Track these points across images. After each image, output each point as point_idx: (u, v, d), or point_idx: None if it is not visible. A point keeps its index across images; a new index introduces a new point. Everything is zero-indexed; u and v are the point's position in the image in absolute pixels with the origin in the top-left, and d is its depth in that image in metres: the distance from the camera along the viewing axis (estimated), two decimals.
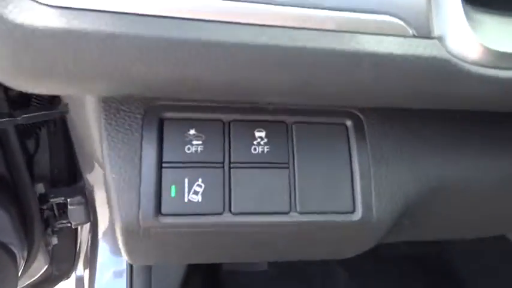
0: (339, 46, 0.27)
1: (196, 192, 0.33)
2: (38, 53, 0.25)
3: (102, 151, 0.32)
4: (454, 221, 0.45)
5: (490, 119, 0.38)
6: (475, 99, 0.32)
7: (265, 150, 0.34)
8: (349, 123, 0.36)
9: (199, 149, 0.33)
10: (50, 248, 0.80)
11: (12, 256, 0.64)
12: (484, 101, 0.32)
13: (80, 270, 0.89)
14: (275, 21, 0.26)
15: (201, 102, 0.34)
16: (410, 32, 0.28)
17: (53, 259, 0.83)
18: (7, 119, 0.55)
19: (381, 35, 0.28)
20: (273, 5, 0.26)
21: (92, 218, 0.84)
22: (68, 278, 0.89)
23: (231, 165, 0.33)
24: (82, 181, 0.80)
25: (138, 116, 0.32)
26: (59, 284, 0.89)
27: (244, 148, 0.34)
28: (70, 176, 0.78)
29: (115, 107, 0.32)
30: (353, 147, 0.35)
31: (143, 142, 0.32)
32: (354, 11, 0.27)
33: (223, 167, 0.33)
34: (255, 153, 0.33)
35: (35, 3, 0.24)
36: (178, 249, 0.35)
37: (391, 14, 0.28)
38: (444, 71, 0.29)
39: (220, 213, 0.33)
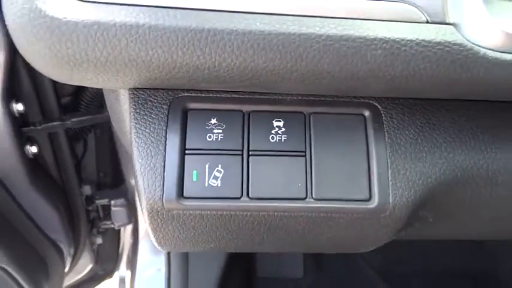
0: (350, 32, 0.28)
1: (216, 178, 0.35)
2: (71, 43, 0.28)
3: (130, 139, 0.35)
4: (481, 217, 0.43)
5: None
6: (494, 87, 0.32)
7: (283, 139, 0.35)
8: (367, 113, 0.37)
9: (219, 137, 0.35)
10: (95, 247, 0.84)
11: (60, 252, 0.69)
12: (503, 88, 0.32)
13: (123, 270, 0.93)
14: (291, 11, 0.28)
15: (222, 93, 0.36)
16: (424, 18, 0.29)
17: (98, 258, 0.87)
18: (58, 122, 0.60)
19: (393, 21, 0.29)
20: None
21: (133, 220, 0.88)
22: (111, 277, 0.93)
23: (250, 152, 0.35)
24: (125, 185, 0.85)
25: (164, 106, 0.35)
26: (103, 283, 0.93)
27: (262, 137, 0.35)
28: (114, 179, 0.83)
29: (143, 97, 0.35)
30: (370, 137, 0.36)
31: (168, 130, 0.35)
32: None
33: (242, 154, 0.35)
34: (272, 142, 0.35)
35: None
36: (199, 233, 0.37)
37: (403, 1, 0.29)
38: (459, 56, 0.30)
39: (238, 198, 0.35)
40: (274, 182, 0.35)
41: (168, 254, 0.77)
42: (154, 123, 0.35)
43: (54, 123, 0.59)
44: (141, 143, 0.34)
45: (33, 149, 0.59)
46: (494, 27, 0.30)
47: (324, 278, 1.00)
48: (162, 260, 0.76)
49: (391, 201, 0.35)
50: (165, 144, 0.34)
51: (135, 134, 0.34)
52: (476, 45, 0.30)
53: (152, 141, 0.34)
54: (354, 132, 0.36)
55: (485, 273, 1.06)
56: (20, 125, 0.56)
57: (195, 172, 0.35)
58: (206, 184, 0.35)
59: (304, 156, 0.35)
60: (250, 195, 0.35)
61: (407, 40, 0.29)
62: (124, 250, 0.93)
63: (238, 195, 0.35)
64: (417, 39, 0.29)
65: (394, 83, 0.31)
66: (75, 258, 0.76)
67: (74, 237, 0.72)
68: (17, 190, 0.59)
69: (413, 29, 0.29)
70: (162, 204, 0.34)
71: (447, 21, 0.30)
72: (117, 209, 0.80)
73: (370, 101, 0.37)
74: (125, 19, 0.28)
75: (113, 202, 0.79)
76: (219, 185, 0.35)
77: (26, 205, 0.61)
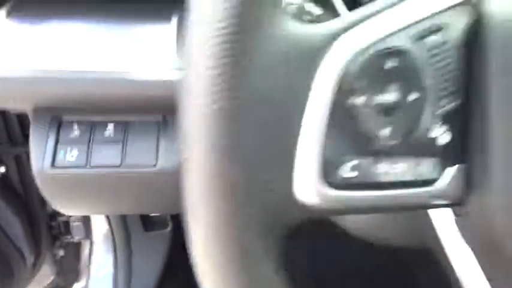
0: (115, 76, 0.55)
1: (72, 156, 0.57)
2: None
3: (30, 137, 0.58)
4: None
5: None
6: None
7: (111, 134, 0.58)
8: (160, 119, 0.60)
9: (77, 134, 0.58)
10: (57, 258, 0.98)
11: (23, 257, 0.83)
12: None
13: (83, 282, 1.06)
14: (81, 69, 0.55)
15: (81, 112, 0.59)
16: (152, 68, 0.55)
17: (60, 270, 1.01)
18: (21, 148, 0.76)
19: (135, 70, 0.55)
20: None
21: (90, 236, 1.02)
22: None
23: (93, 142, 0.58)
24: None
25: (48, 118, 0.58)
26: None
27: (100, 134, 0.58)
28: None
29: (37, 115, 0.59)
30: (161, 133, 0.59)
31: (48, 132, 0.58)
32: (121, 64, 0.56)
33: (88, 143, 0.58)
34: (106, 136, 0.58)
35: None
36: (67, 193, 0.60)
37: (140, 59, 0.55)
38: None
39: (84, 166, 0.57)
40: (104, 157, 0.57)
41: (115, 255, 0.92)
42: (43, 127, 0.58)
43: (17, 148, 0.76)
44: (34, 138, 0.58)
45: (2, 169, 0.75)
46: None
47: None
48: (110, 260, 0.90)
49: (169, 166, 0.58)
50: (47, 140, 0.57)
51: (32, 134, 0.58)
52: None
53: (40, 138, 0.58)
54: (152, 130, 0.59)
55: (412, 275, 1.18)
56: None
57: (62, 152, 0.57)
58: (66, 159, 0.57)
59: (123, 143, 0.58)
60: (91, 165, 0.57)
61: (140, 80, 0.55)
62: (84, 264, 1.07)
63: (84, 165, 0.57)
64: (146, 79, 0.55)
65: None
66: (36, 266, 0.90)
67: (36, 246, 0.87)
68: None
69: (147, 73, 0.55)
70: (44, 171, 0.57)
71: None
72: (76, 224, 0.95)
73: (164, 114, 0.59)
74: (9, 75, 0.54)
75: (71, 218, 0.95)
76: (74, 160, 0.57)
77: None
